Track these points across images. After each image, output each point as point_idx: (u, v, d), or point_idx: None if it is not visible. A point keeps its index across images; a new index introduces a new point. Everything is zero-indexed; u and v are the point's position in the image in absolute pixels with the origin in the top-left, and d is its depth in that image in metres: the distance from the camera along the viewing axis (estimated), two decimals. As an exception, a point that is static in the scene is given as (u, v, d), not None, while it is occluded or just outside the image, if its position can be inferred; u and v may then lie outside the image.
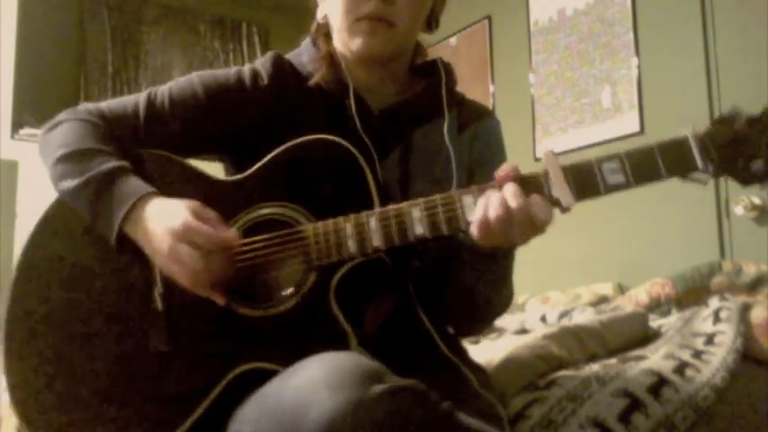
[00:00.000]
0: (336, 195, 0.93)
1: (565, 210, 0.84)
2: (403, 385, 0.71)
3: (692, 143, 0.81)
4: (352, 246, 0.88)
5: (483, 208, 0.83)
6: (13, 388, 0.92)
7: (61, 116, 1.03)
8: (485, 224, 0.82)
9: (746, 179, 0.81)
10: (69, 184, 0.94)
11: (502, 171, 0.85)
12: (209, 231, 0.88)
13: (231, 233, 0.91)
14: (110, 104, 1.04)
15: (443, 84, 1.09)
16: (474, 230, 0.84)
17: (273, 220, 0.93)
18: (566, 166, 0.84)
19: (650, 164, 0.82)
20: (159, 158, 1.00)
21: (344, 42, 1.03)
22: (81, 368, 0.92)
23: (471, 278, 0.97)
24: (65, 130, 1.00)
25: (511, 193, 0.82)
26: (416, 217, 0.86)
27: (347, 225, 0.89)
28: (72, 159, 0.95)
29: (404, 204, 0.88)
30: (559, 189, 0.83)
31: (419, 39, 1.12)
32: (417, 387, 0.72)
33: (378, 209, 0.89)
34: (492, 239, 0.84)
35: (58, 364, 0.92)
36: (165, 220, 0.89)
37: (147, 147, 1.01)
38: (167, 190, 0.96)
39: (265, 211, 0.94)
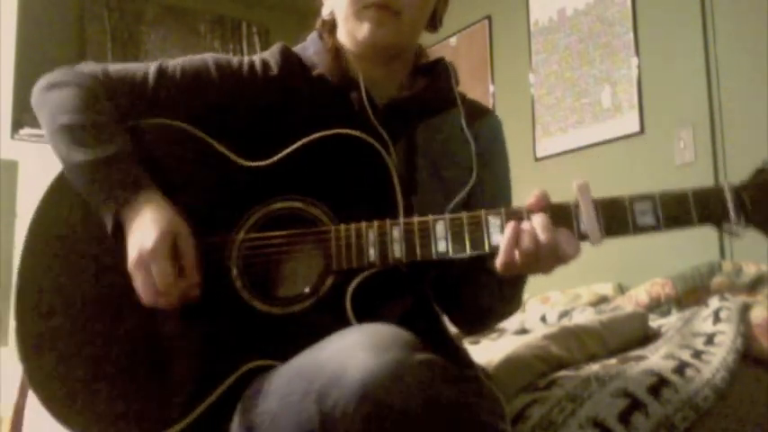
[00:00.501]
0: (359, 193, 0.92)
1: (591, 245, 0.83)
2: (442, 361, 0.71)
3: (728, 194, 0.80)
4: (373, 254, 0.88)
5: (512, 239, 0.82)
6: (29, 370, 0.93)
7: (65, 75, 0.99)
8: (510, 257, 0.82)
9: None
10: (74, 156, 0.92)
11: (533, 198, 0.84)
12: (167, 276, 0.87)
13: (194, 281, 0.89)
14: (117, 69, 1.02)
15: (453, 78, 1.09)
16: (498, 263, 0.83)
17: (293, 215, 0.93)
18: (597, 200, 0.83)
19: (682, 210, 0.81)
20: (178, 132, 0.98)
21: (350, 31, 1.03)
22: (89, 351, 0.91)
23: (485, 297, 0.98)
24: (69, 96, 0.96)
25: (541, 226, 0.81)
26: (441, 233, 0.86)
27: (370, 232, 0.88)
28: (76, 131, 0.93)
29: (429, 218, 0.87)
30: (589, 224, 0.82)
31: (420, 40, 1.12)
32: (453, 367, 0.73)
33: (402, 219, 0.88)
34: (515, 270, 0.84)
35: (68, 347, 0.92)
36: (146, 228, 0.88)
37: (153, 116, 0.99)
38: (181, 168, 0.95)
39: (286, 204, 0.93)
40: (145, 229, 0.88)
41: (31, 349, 0.93)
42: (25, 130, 3.21)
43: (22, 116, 3.22)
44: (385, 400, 0.65)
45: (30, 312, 0.95)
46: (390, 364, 0.66)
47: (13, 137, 3.27)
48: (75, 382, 0.91)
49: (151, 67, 1.02)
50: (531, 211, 0.84)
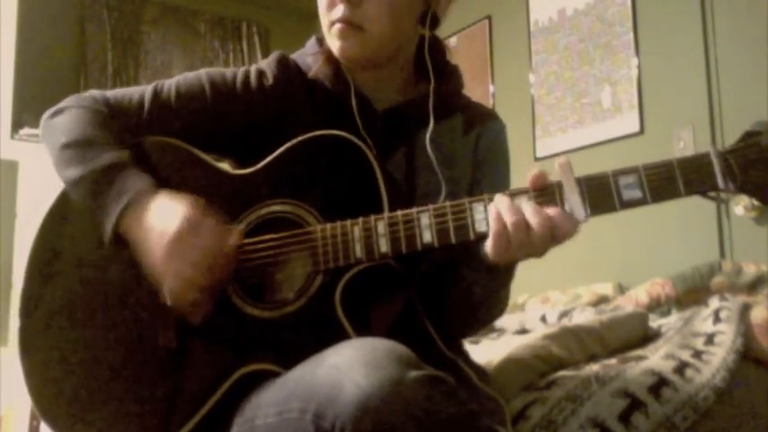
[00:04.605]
0: (346, 193, 0.92)
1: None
2: (438, 376, 0.71)
3: (714, 160, 0.77)
4: (359, 250, 0.87)
5: (495, 215, 0.81)
6: (28, 377, 0.93)
7: (67, 101, 1.02)
8: (501, 232, 0.81)
9: None
10: (71, 173, 0.94)
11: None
12: (214, 226, 0.88)
13: (236, 231, 0.90)
14: (115, 94, 1.04)
15: (431, 91, 1.05)
16: (489, 245, 0.82)
17: (282, 219, 0.93)
18: (580, 178, 0.81)
19: (669, 180, 0.78)
20: (166, 146, 1.00)
21: (330, 46, 1.04)
22: (88, 362, 0.92)
23: (474, 289, 0.96)
24: (70, 117, 0.99)
25: (530, 211, 0.80)
26: (425, 224, 0.85)
27: (355, 229, 0.88)
28: (75, 148, 0.95)
29: (413, 210, 0.87)
30: (572, 202, 0.81)
31: (437, 35, 1.10)
32: (450, 380, 0.73)
33: (387, 213, 0.88)
34: (508, 252, 0.82)
35: (66, 356, 0.92)
36: (164, 218, 0.88)
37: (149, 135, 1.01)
38: (173, 179, 0.95)
39: (274, 208, 0.93)
40: (168, 215, 0.88)
41: (29, 359, 0.93)
42: (25, 130, 3.21)
43: (22, 116, 3.22)
44: (381, 419, 0.65)
45: (31, 319, 0.95)
46: (385, 383, 0.66)
47: (13, 137, 3.27)
48: (73, 395, 0.91)
49: (147, 91, 1.03)
50: (514, 195, 0.83)
